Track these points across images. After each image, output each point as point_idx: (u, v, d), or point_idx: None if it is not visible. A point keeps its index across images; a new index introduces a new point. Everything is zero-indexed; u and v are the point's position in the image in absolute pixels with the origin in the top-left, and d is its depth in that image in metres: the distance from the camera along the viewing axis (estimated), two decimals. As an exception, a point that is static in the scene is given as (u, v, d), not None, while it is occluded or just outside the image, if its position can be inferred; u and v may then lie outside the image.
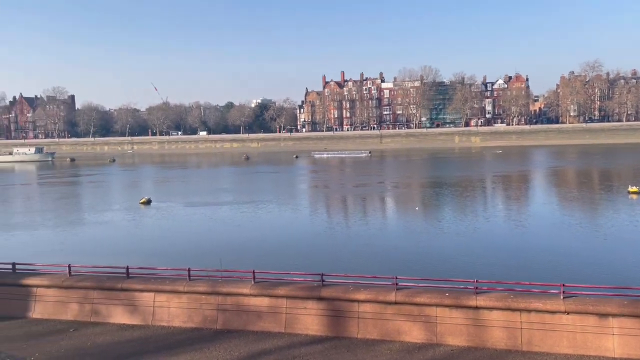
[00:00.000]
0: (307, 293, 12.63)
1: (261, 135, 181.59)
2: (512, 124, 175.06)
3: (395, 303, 12.35)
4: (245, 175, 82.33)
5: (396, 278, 12.69)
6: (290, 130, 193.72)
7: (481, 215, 36.83)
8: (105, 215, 41.47)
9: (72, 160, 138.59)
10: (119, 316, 14.18)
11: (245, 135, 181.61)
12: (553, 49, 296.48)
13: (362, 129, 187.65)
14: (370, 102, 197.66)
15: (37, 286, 15.05)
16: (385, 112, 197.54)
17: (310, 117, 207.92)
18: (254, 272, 13.07)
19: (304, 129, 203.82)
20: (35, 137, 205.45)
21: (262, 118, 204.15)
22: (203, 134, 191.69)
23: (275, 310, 12.72)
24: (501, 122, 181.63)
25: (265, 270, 13.92)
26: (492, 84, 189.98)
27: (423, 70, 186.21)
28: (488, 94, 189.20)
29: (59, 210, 45.57)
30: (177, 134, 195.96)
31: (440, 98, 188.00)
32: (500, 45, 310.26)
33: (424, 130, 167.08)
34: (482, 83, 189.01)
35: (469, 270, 18.64)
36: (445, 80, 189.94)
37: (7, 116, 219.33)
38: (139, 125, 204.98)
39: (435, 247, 26.24)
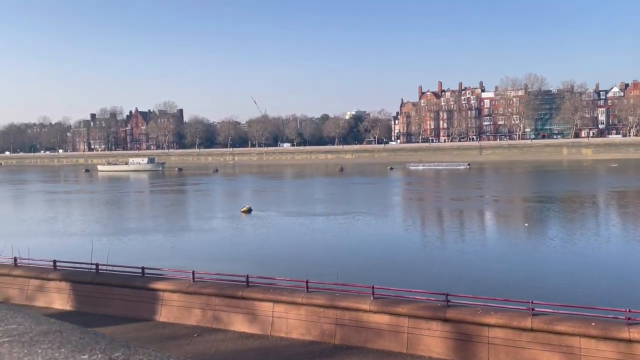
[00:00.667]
0: (431, 313, 11.98)
1: (355, 146, 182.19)
2: (629, 135, 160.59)
3: (532, 330, 11.35)
4: (340, 186, 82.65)
5: (532, 302, 11.65)
6: (384, 142, 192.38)
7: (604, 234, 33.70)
8: (211, 222, 43.34)
9: (180, 170, 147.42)
10: (239, 324, 14.44)
11: (340, 147, 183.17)
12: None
13: (459, 140, 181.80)
14: (469, 112, 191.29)
15: (164, 290, 15.81)
16: (485, 123, 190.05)
17: (405, 128, 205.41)
18: (373, 287, 12.68)
19: (398, 140, 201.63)
20: (148, 148, 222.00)
21: (356, 129, 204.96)
22: (286, 145, 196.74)
23: (396, 329, 12.23)
24: (616, 133, 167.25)
25: (385, 286, 13.44)
26: (606, 92, 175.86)
27: (527, 79, 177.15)
28: (601, 102, 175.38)
29: (171, 217, 48.36)
30: (283, 145, 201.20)
31: (546, 108, 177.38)
32: (615, 50, 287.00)
33: (528, 141, 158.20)
34: (595, 91, 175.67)
35: (615, 297, 16.78)
36: (552, 88, 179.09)
37: (124, 129, 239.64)
38: (239, 137, 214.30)
39: (571, 270, 24.03)
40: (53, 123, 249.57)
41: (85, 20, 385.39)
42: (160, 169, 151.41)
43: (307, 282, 13.75)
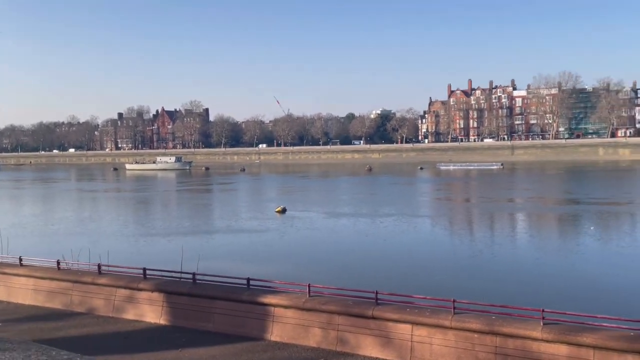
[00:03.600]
0: (627, 344, 10.11)
1: (383, 146, 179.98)
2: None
3: None
4: (373, 186, 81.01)
5: None
6: (412, 141, 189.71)
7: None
8: (250, 223, 41.98)
9: (207, 169, 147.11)
10: (370, 348, 12.82)
11: (367, 146, 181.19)
12: None
13: (490, 140, 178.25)
14: (500, 111, 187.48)
15: (275, 305, 14.26)
16: (517, 122, 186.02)
17: (433, 128, 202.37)
18: (543, 310, 10.92)
19: (426, 140, 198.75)
20: (174, 147, 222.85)
21: (383, 129, 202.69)
22: (335, 144, 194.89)
23: (579, 362, 10.43)
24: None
25: (560, 310, 11.64)
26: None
27: (561, 77, 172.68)
28: (639, 101, 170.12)
29: (209, 217, 47.12)
30: (337, 144, 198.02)
31: (581, 106, 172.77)
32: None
33: (562, 141, 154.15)
34: (632, 89, 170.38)
35: None
36: (587, 86, 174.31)
37: (151, 128, 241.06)
38: (265, 136, 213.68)
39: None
40: (81, 122, 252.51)
41: (112, 19, 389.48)
42: (188, 167, 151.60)
43: (454, 301, 12.01)
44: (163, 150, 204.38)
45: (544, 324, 10.88)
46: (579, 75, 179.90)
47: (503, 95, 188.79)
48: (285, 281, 15.61)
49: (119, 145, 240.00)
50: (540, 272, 23.59)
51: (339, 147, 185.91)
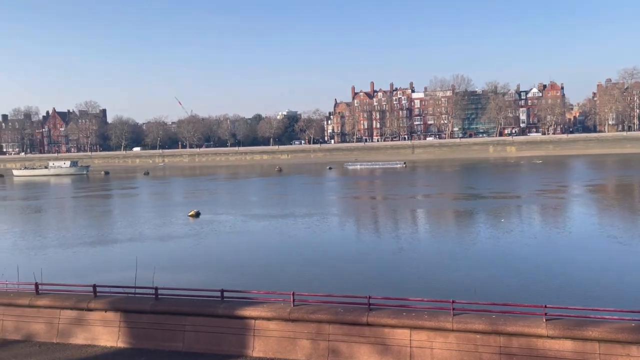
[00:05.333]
0: (633, 336, 10.41)
1: (291, 147, 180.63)
2: (548, 133, 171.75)
3: None
4: (285, 186, 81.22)
5: None
6: (318, 142, 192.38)
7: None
8: (164, 229, 40.17)
9: (107, 173, 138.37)
10: (365, 357, 12.16)
11: (275, 147, 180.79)
12: (588, 57, 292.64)
13: (392, 140, 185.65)
14: (400, 112, 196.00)
15: (256, 318, 13.14)
16: (416, 123, 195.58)
17: (339, 128, 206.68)
18: (545, 306, 10.99)
19: (332, 140, 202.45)
20: (68, 150, 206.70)
21: (291, 130, 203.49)
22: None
23: (583, 357, 10.57)
24: (536, 132, 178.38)
25: (562, 305, 11.77)
26: (527, 92, 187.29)
27: (455, 80, 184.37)
28: (522, 102, 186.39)
29: (117, 225, 44.00)
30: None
31: (472, 108, 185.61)
32: (534, 53, 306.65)
33: (457, 140, 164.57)
34: (516, 92, 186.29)
35: None
36: (477, 89, 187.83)
37: (41, 130, 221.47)
38: (169, 138, 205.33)
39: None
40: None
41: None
42: (85, 172, 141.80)
43: (452, 302, 11.77)
44: (56, 155, 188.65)
45: (546, 320, 11.02)
46: (471, 79, 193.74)
47: (403, 97, 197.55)
48: (265, 291, 14.56)
49: (4, 150, 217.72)
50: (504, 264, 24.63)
51: (247, 148, 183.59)
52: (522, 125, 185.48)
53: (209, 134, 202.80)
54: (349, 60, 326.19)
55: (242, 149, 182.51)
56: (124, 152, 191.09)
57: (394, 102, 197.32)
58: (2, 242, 37.02)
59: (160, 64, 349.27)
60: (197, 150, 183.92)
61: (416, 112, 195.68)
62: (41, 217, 53.45)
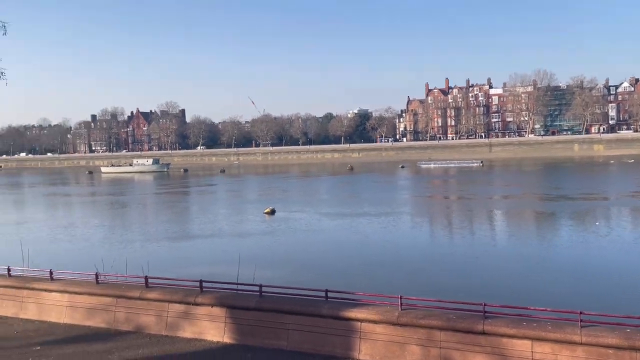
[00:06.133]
0: None
1: (362, 145, 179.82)
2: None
3: None
4: (358, 184, 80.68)
5: None
6: (391, 140, 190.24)
7: None
8: (242, 226, 41.10)
9: (185, 170, 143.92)
10: (480, 366, 11.65)
11: (346, 146, 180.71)
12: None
13: (468, 138, 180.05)
14: (477, 109, 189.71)
15: (362, 320, 12.90)
16: (494, 120, 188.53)
17: (412, 126, 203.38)
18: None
19: (404, 139, 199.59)
20: (150, 149, 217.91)
21: (362, 128, 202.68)
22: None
23: None
24: (627, 129, 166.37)
25: None
26: (617, 87, 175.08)
27: (536, 75, 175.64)
28: (611, 98, 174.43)
29: (201, 221, 45.24)
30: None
31: (555, 104, 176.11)
32: (624, 45, 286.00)
33: (539, 138, 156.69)
34: (605, 86, 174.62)
35: None
36: (561, 84, 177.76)
37: (126, 130, 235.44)
38: (243, 137, 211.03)
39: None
40: (52, 125, 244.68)
41: (81, 19, 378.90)
42: (165, 170, 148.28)
43: (580, 313, 10.89)
44: (139, 153, 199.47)
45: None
46: (554, 73, 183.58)
47: (480, 94, 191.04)
48: (370, 293, 14.28)
49: (93, 148, 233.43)
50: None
51: (318, 146, 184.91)
52: (611, 122, 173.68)
53: (281, 132, 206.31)
54: (425, 58, 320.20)
55: (313, 147, 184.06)
56: (201, 150, 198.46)
57: (470, 99, 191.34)
58: (97, 235, 39.29)
59: (234, 63, 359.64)
60: (270, 148, 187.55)
61: (494, 108, 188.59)
62: (128, 212, 56.36)
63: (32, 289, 17.53)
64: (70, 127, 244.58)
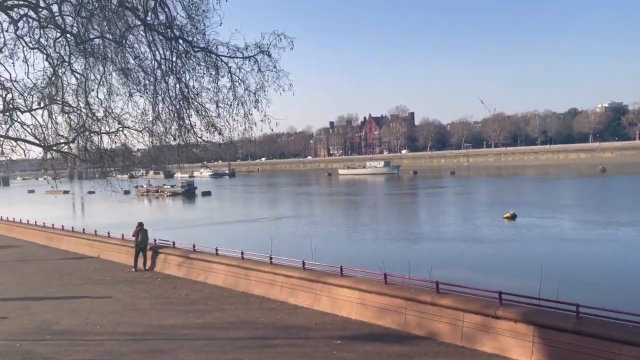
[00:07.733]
0: None
1: (617, 143, 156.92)
2: None
3: None
4: (618, 189, 69.94)
5: None
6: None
7: None
8: (485, 230, 39.24)
9: (415, 172, 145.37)
10: None
11: (595, 144, 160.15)
12: None
13: None
14: None
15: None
16: None
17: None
18: None
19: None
20: (380, 152, 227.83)
21: (616, 124, 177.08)
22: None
23: None
24: None
25: None
26: None
27: None
28: None
29: (435, 222, 44.44)
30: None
31: None
32: None
33: None
34: None
35: None
36: None
37: (359, 134, 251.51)
38: (473, 137, 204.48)
39: None
40: (297, 132, 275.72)
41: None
42: (396, 172, 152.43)
43: None
44: (371, 156, 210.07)
45: None
46: None
47: None
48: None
49: (331, 152, 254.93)
50: None
51: (560, 146, 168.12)
52: None
53: (515, 132, 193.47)
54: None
55: (554, 147, 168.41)
56: (430, 152, 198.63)
57: None
58: (340, 233, 41.74)
59: (459, 63, 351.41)
60: (504, 149, 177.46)
61: None
62: (366, 212, 59.11)
63: (325, 282, 18.54)
64: (312, 134, 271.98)
